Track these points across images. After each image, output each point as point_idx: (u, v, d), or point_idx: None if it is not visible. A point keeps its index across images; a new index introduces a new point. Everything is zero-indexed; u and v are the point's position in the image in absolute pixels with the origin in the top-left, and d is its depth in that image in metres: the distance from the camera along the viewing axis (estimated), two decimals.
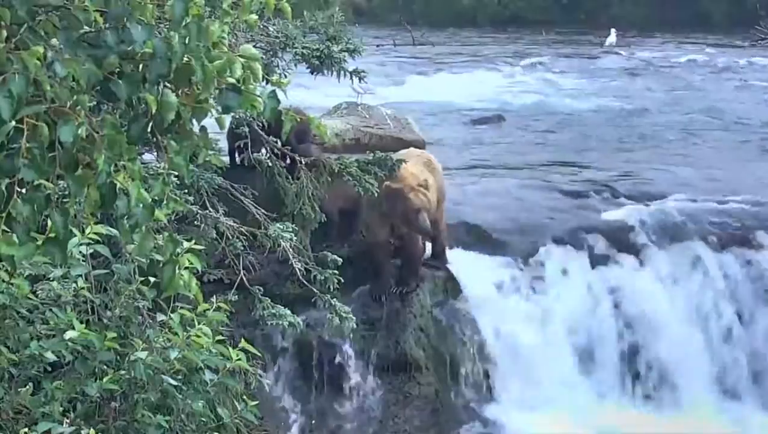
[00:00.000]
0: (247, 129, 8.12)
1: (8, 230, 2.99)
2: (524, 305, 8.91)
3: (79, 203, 3.23)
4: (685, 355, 9.02)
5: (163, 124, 3.14)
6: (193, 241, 4.20)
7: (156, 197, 3.28)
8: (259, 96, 3.29)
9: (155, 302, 5.17)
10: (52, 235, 3.16)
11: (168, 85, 3.12)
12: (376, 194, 7.83)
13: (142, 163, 4.51)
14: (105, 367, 4.87)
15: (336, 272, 7.34)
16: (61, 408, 4.67)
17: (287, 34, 7.81)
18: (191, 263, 3.88)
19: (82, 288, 5.14)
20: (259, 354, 5.78)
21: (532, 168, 12.39)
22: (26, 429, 4.40)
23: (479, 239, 9.31)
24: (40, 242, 3.12)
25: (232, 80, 3.21)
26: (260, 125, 8.05)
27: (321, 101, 12.35)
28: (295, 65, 7.91)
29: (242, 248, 7.31)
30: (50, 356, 4.81)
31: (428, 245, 8.83)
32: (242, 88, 3.24)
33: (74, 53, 2.99)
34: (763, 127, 16.35)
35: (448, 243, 8.97)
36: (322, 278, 7.28)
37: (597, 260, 9.29)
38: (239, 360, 4.97)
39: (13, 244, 2.99)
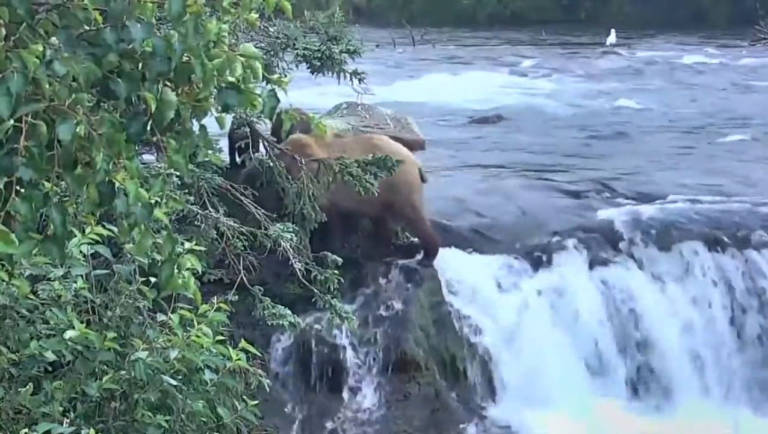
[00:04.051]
0: (247, 129, 8.11)
1: (7, 229, 2.98)
2: (524, 305, 8.90)
3: (78, 202, 3.22)
4: (683, 356, 9.01)
5: (162, 122, 3.13)
6: (194, 241, 4.19)
7: (156, 196, 3.27)
8: (258, 95, 3.28)
9: (155, 302, 5.16)
10: (50, 233, 3.15)
11: (168, 83, 3.11)
12: None
13: (142, 163, 4.50)
14: (105, 367, 4.85)
15: (336, 272, 7.34)
16: (61, 408, 4.65)
17: (288, 35, 7.81)
18: (192, 265, 3.87)
19: (83, 288, 5.12)
20: (259, 354, 5.77)
21: (531, 168, 12.38)
22: (26, 429, 4.38)
23: (479, 238, 9.30)
24: (38, 241, 3.11)
25: (231, 79, 3.20)
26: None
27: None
28: (296, 66, 7.91)
29: (242, 248, 7.30)
30: (50, 356, 4.79)
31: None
32: (242, 87, 3.23)
33: (73, 52, 2.98)
34: (763, 127, 16.34)
35: (444, 242, 8.92)
36: (323, 278, 7.28)
37: (596, 260, 9.27)
38: (239, 360, 4.96)
39: (11, 242, 2.98)
